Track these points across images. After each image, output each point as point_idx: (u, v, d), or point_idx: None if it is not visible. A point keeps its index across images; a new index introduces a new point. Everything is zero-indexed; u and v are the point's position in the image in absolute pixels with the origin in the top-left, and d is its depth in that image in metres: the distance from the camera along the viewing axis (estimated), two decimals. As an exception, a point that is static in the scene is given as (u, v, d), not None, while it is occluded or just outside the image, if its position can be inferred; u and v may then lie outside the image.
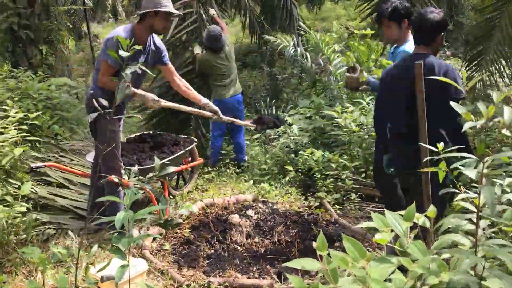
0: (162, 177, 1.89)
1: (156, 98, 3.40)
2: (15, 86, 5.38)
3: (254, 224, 3.59)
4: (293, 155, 4.82)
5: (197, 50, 5.10)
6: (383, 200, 3.74)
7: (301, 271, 2.76)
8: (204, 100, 3.79)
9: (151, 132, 4.57)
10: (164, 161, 3.62)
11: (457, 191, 1.38)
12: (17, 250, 3.04)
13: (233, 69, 5.00)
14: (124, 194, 1.71)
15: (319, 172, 4.38)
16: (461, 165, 1.28)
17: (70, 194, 3.99)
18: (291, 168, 4.53)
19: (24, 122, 4.54)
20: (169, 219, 2.05)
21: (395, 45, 3.30)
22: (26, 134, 4.26)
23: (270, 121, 4.23)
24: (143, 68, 2.09)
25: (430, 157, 1.58)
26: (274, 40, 6.41)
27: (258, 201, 4.07)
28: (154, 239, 3.38)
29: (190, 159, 4.42)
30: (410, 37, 3.22)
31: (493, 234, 1.35)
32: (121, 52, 1.77)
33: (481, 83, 6.16)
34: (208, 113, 3.82)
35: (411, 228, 1.25)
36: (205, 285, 2.78)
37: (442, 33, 2.69)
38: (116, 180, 2.10)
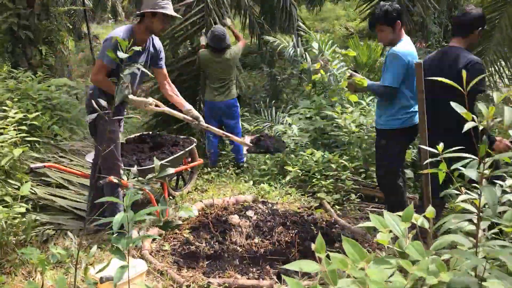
0: (161, 178, 1.89)
1: (149, 101, 3.36)
2: (14, 87, 5.37)
3: (254, 224, 3.59)
4: (292, 155, 4.81)
5: (203, 41, 5.10)
6: (385, 200, 3.73)
7: (301, 272, 2.76)
8: (187, 106, 3.69)
9: (150, 132, 4.57)
10: (163, 161, 3.62)
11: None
12: (17, 251, 3.04)
13: (230, 76, 4.97)
14: (124, 195, 1.70)
15: (319, 173, 4.38)
16: (462, 166, 1.28)
17: (69, 195, 3.99)
18: (291, 169, 4.53)
19: (24, 122, 4.54)
20: (169, 220, 2.04)
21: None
22: (26, 135, 4.26)
23: (270, 147, 3.86)
24: (143, 69, 2.09)
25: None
26: (274, 40, 6.42)
27: (257, 201, 4.06)
28: (153, 239, 3.37)
29: (190, 159, 4.42)
30: (404, 37, 3.23)
31: (493, 235, 1.34)
32: (119, 53, 1.76)
33: (480, 83, 6.16)
34: (190, 118, 3.68)
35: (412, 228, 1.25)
36: (205, 285, 2.78)
37: (480, 28, 2.95)
38: (115, 180, 2.10)
